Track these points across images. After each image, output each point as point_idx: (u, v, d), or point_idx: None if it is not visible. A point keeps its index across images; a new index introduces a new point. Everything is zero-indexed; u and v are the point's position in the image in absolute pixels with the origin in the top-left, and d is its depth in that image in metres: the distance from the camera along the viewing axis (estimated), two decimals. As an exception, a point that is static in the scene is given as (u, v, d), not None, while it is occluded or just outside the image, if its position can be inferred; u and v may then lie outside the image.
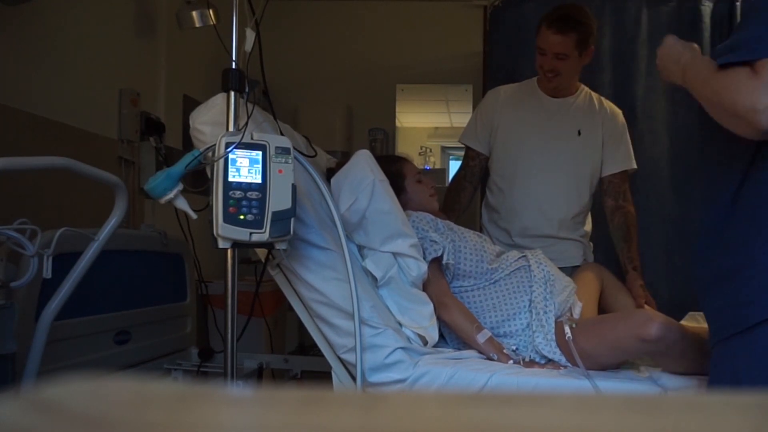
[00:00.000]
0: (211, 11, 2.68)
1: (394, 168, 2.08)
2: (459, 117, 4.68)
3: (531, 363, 1.76)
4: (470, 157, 2.47)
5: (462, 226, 2.12)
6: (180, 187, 1.54)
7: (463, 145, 2.51)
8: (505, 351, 1.77)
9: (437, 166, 5.32)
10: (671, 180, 2.86)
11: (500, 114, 2.39)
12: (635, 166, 2.41)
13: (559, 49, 2.20)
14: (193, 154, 1.52)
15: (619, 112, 2.43)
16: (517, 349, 1.82)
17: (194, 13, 2.84)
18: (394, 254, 1.80)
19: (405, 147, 4.63)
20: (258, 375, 2.38)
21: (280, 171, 1.47)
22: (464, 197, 2.48)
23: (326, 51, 4.25)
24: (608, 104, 2.43)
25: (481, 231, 2.45)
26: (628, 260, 2.26)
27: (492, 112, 2.42)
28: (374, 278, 1.80)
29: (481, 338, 1.77)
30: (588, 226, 2.45)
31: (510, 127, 2.37)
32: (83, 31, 2.58)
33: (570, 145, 2.32)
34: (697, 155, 2.85)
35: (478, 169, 2.47)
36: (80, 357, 1.87)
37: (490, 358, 1.76)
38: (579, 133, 2.33)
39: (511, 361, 1.74)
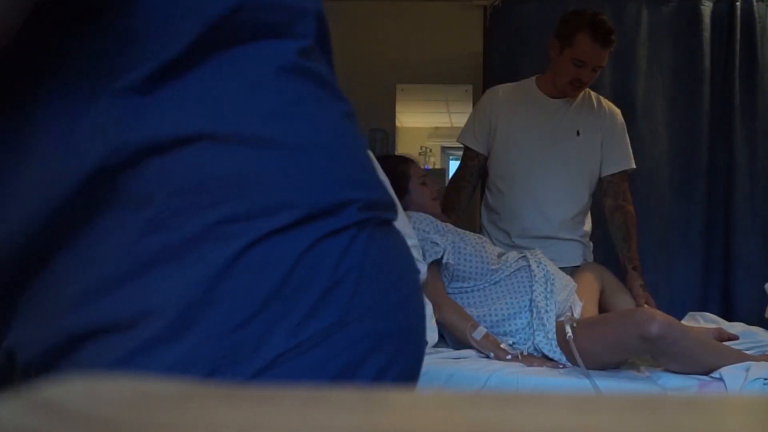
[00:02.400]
0: (211, 11, 2.68)
1: (400, 168, 2.09)
2: (459, 117, 4.68)
3: (530, 357, 1.76)
4: (469, 157, 2.47)
5: (461, 226, 2.12)
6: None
7: (462, 145, 2.51)
8: (502, 346, 1.77)
9: (437, 166, 5.33)
10: (671, 180, 2.86)
11: (499, 114, 2.39)
12: (634, 166, 2.41)
13: (603, 62, 2.20)
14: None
15: (618, 111, 2.43)
16: (514, 343, 1.82)
17: (194, 13, 2.83)
18: (394, 254, 1.80)
19: (405, 147, 4.63)
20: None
21: (280, 171, 1.47)
22: (463, 197, 2.48)
23: (326, 51, 4.25)
24: (607, 104, 2.43)
25: (480, 231, 2.45)
26: (628, 260, 2.27)
27: (490, 112, 2.42)
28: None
29: (477, 335, 1.77)
30: (588, 226, 2.45)
31: (509, 128, 2.37)
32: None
33: (569, 146, 2.32)
34: (697, 155, 2.85)
35: (476, 168, 2.47)
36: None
37: (487, 356, 1.76)
38: (578, 134, 2.33)
39: (509, 356, 1.74)
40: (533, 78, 2.43)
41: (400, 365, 0.57)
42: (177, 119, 0.51)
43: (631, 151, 2.39)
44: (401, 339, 0.57)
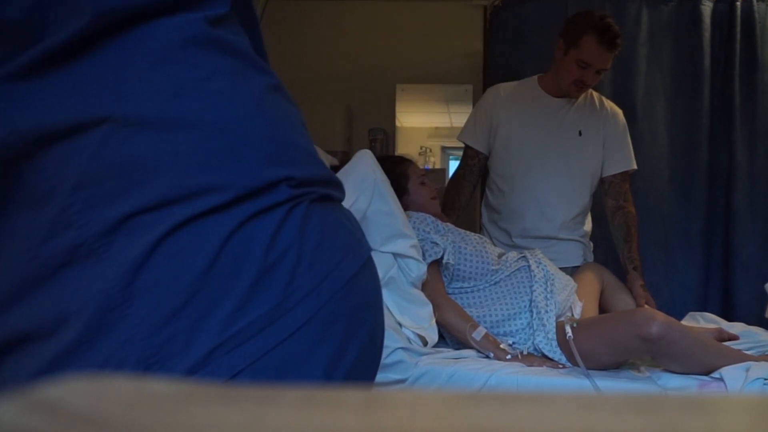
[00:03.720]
0: (211, 11, 2.68)
1: (399, 169, 2.09)
2: (459, 117, 4.68)
3: (530, 357, 1.76)
4: (469, 156, 2.47)
5: (461, 226, 2.12)
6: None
7: (462, 144, 2.51)
8: (502, 346, 1.77)
9: (437, 166, 5.33)
10: (671, 180, 2.86)
11: (500, 113, 2.39)
12: (636, 167, 2.41)
13: (607, 65, 2.20)
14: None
15: (619, 112, 2.42)
16: (514, 343, 1.82)
17: (194, 13, 2.83)
18: (394, 255, 1.80)
19: (405, 147, 4.63)
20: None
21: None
22: (463, 196, 2.48)
23: (326, 51, 4.25)
24: (609, 104, 2.42)
25: (480, 231, 2.45)
26: (628, 260, 2.26)
27: (492, 110, 2.41)
28: (374, 278, 1.80)
29: (477, 335, 1.77)
30: (588, 226, 2.45)
31: (510, 127, 2.37)
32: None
33: (570, 146, 2.32)
34: (697, 155, 2.85)
35: (477, 167, 2.47)
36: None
37: (487, 356, 1.76)
38: (580, 134, 2.33)
39: (509, 356, 1.74)
40: (535, 77, 2.42)
41: (354, 351, 0.52)
42: (73, 104, 0.46)
43: (632, 151, 2.39)
44: (352, 322, 0.52)
